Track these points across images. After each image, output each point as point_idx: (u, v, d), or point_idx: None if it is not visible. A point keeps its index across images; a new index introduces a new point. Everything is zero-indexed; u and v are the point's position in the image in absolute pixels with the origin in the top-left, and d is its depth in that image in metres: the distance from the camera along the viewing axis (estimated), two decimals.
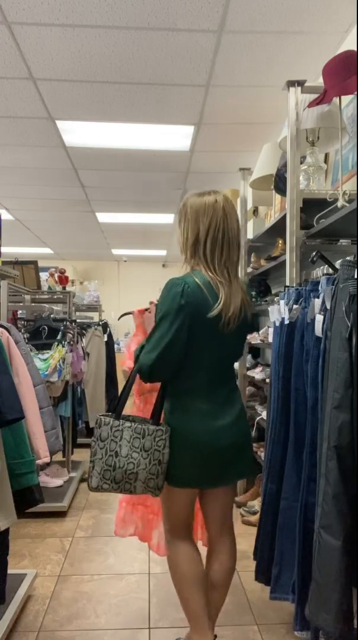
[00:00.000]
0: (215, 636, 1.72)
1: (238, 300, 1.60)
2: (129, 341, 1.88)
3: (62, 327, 3.45)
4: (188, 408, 1.62)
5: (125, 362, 1.90)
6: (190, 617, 1.71)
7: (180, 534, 1.72)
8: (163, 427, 1.58)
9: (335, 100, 2.07)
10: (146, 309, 1.81)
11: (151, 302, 1.83)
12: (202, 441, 1.59)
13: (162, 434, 1.57)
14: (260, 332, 3.53)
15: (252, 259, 3.60)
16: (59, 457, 3.85)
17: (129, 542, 1.89)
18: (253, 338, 3.54)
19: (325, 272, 1.83)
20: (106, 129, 3.72)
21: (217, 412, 1.62)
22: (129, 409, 1.83)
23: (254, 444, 3.37)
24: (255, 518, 2.89)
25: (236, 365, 3.82)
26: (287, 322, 1.87)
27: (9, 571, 1.92)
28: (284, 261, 2.34)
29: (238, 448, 1.65)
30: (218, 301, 1.55)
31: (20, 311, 3.81)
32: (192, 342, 1.55)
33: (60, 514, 3.25)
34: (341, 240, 2.14)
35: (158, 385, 1.77)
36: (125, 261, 9.78)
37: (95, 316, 6.31)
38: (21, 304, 3.73)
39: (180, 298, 1.52)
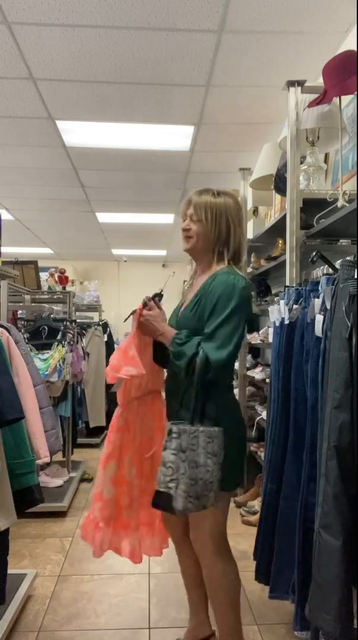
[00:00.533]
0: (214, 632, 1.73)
1: None
2: (124, 345, 1.67)
3: (62, 327, 3.45)
4: (232, 403, 1.64)
5: (120, 369, 1.59)
6: (238, 629, 1.70)
7: (228, 547, 1.67)
8: (221, 428, 1.50)
9: (335, 100, 2.07)
10: (144, 306, 1.67)
11: (150, 299, 1.67)
12: (245, 434, 1.66)
13: (221, 435, 1.50)
14: (260, 332, 3.53)
15: (252, 259, 3.60)
16: (59, 457, 3.85)
17: None
18: (253, 338, 3.54)
19: (325, 272, 1.83)
20: (106, 129, 3.72)
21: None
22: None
23: (254, 444, 3.38)
24: (255, 518, 2.89)
25: (236, 365, 3.82)
26: (287, 322, 1.87)
27: (9, 571, 1.92)
28: (284, 261, 2.34)
29: None
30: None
31: (20, 311, 3.81)
32: None
33: (60, 514, 3.25)
34: (341, 240, 2.14)
35: (144, 390, 1.72)
36: (125, 261, 9.78)
37: (95, 316, 6.32)
38: (21, 304, 3.73)
39: (247, 292, 1.55)
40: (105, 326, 5.50)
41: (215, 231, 1.62)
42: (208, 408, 1.53)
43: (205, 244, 1.65)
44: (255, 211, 3.85)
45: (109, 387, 5.08)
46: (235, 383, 4.09)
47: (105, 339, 5.33)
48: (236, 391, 3.78)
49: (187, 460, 1.40)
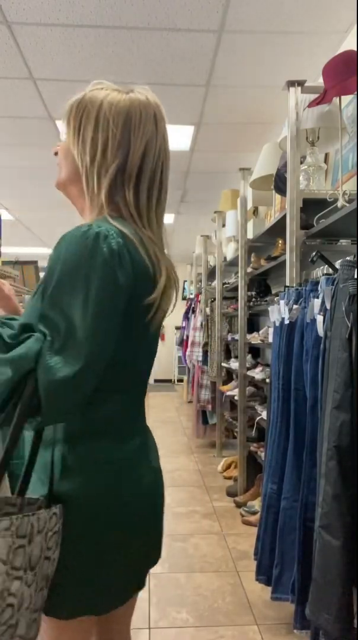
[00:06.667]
0: None
1: (173, 275, 0.97)
2: None
3: None
4: (120, 451, 0.91)
5: None
6: None
7: None
8: (57, 508, 0.83)
9: (335, 100, 2.07)
10: None
11: None
12: (150, 503, 0.96)
13: (56, 521, 0.82)
14: (260, 332, 3.53)
15: (252, 259, 3.60)
16: None
17: None
18: (254, 338, 3.55)
19: (325, 272, 1.83)
20: None
21: (153, 450, 1.01)
22: None
23: (254, 444, 3.38)
24: (255, 518, 2.89)
25: (236, 365, 3.81)
26: (287, 322, 1.88)
27: None
28: (284, 261, 2.34)
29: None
30: (160, 272, 0.92)
31: None
32: (121, 338, 0.87)
33: None
34: (341, 240, 2.14)
35: None
36: None
37: None
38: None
39: (112, 258, 0.82)
40: None
41: (78, 143, 0.93)
42: (51, 464, 0.89)
43: (71, 172, 0.96)
44: (255, 211, 3.85)
45: None
46: (235, 383, 4.09)
47: None
48: (236, 391, 3.77)
49: None
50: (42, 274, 0.90)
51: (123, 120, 0.92)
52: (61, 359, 0.77)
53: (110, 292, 0.81)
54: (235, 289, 3.78)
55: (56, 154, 1.00)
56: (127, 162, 0.92)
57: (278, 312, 1.98)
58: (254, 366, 3.70)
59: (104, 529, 0.87)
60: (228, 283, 4.47)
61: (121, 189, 0.92)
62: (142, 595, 2.30)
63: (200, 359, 4.86)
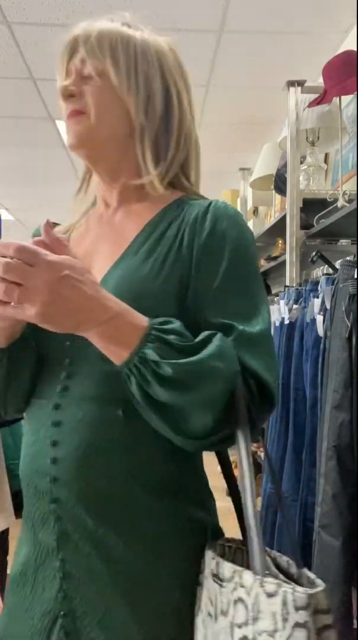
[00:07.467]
0: None
1: None
2: None
3: None
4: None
5: None
6: None
7: None
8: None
9: (335, 100, 2.07)
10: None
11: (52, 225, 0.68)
12: None
13: None
14: None
15: None
16: None
17: None
18: None
19: (325, 272, 1.83)
20: None
21: None
22: None
23: (254, 444, 3.38)
24: None
25: None
26: (287, 322, 1.88)
27: (9, 571, 1.92)
28: (284, 261, 2.34)
29: None
30: None
31: None
32: None
33: None
34: (341, 240, 2.14)
35: None
36: None
37: None
38: None
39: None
40: None
41: (137, 91, 0.74)
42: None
43: (119, 125, 0.75)
44: (255, 211, 3.85)
45: None
46: None
47: None
48: None
49: None
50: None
51: (179, 72, 0.82)
52: (265, 354, 0.68)
53: None
54: None
55: (71, 95, 0.73)
56: (190, 132, 0.78)
57: (278, 312, 1.98)
58: None
59: None
60: None
61: (183, 156, 0.79)
62: None
63: None
